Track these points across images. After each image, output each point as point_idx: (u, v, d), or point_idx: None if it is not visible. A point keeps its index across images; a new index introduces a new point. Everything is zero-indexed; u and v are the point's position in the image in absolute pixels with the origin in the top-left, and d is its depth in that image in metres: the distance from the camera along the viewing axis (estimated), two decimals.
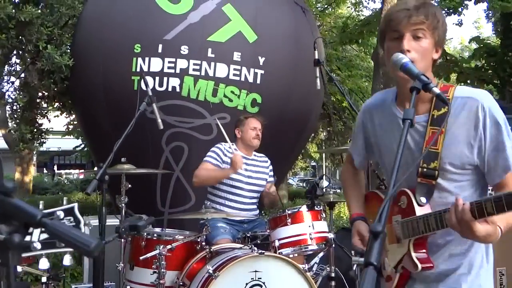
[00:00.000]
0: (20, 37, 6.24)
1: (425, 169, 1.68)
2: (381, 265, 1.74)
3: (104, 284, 3.62)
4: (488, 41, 10.94)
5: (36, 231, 1.50)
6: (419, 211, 1.65)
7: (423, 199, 1.67)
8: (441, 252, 1.71)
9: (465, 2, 9.57)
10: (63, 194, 15.34)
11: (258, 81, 5.49)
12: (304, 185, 26.50)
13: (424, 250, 1.69)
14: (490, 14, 12.61)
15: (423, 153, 1.63)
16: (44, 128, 7.29)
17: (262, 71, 5.49)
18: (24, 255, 1.59)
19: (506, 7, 8.65)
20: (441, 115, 1.68)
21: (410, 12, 1.66)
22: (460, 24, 11.23)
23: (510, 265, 3.25)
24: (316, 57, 3.80)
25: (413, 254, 1.66)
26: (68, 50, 6.03)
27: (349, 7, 16.56)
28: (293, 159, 8.17)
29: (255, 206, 4.05)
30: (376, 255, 1.18)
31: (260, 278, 2.78)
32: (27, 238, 1.34)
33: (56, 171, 25.02)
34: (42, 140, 7.37)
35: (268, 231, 3.44)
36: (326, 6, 15.80)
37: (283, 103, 5.60)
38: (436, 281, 1.73)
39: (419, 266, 1.66)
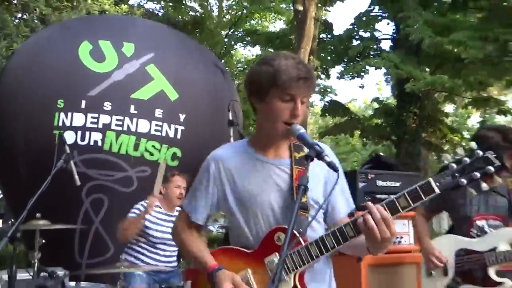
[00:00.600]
0: None
1: (304, 200, 1.69)
2: None
3: None
4: (387, 102, 11.58)
5: None
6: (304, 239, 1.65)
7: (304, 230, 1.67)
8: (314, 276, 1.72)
9: (366, 67, 10.12)
10: None
11: (179, 137, 5.41)
12: (224, 231, 26.16)
13: (307, 280, 1.68)
14: (389, 78, 13.41)
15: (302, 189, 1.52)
16: None
17: (183, 127, 5.43)
18: None
19: (400, 73, 9.25)
20: (302, 157, 1.73)
21: (307, 80, 1.65)
22: (362, 87, 11.89)
23: None
24: (230, 118, 3.83)
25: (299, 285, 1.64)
26: None
27: None
28: None
29: (174, 258, 3.91)
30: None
31: None
32: None
33: None
34: None
35: (182, 282, 3.32)
36: (245, 66, 16.25)
37: (201, 158, 5.50)
38: None
39: None
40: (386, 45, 11.06)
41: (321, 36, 11.27)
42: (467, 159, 1.49)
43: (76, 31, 5.81)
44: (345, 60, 10.89)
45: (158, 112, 5.34)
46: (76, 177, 3.16)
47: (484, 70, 9.15)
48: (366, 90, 57.71)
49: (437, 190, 1.50)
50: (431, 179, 1.51)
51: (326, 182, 1.76)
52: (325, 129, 12.85)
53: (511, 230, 2.74)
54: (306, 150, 1.70)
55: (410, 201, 1.52)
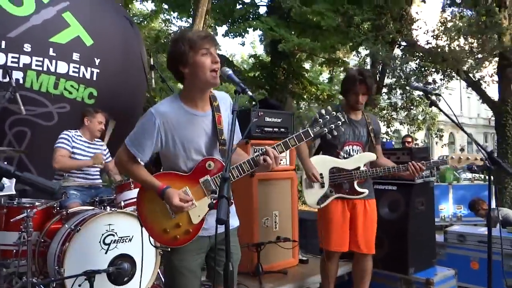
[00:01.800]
0: None
1: (221, 141, 2.02)
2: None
3: None
4: (262, 58, 11.98)
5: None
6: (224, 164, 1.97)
7: (223, 158, 2.02)
8: None
9: (247, 29, 10.38)
10: None
11: (94, 78, 5.25)
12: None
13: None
14: (263, 38, 13.85)
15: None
16: None
17: (98, 70, 5.27)
18: None
19: (274, 35, 9.75)
20: (217, 106, 2.06)
21: (211, 36, 1.97)
22: (243, 44, 12.16)
23: (282, 209, 3.92)
24: (152, 63, 3.95)
25: None
26: None
27: (160, 22, 16.48)
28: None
29: (98, 177, 4.02)
30: (227, 191, 1.50)
31: (113, 229, 2.87)
32: None
33: None
34: None
35: (115, 195, 3.51)
36: (141, 19, 15.50)
37: (114, 97, 5.49)
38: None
39: (232, 201, 1.92)
40: (263, 10, 11.44)
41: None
42: (327, 116, 2.03)
43: None
44: (230, 20, 11.03)
45: (76, 56, 5.10)
46: (22, 106, 3.11)
47: (336, 37, 10.06)
48: (243, 48, 58.39)
49: (312, 135, 2.02)
50: (309, 128, 2.03)
51: (229, 121, 2.07)
52: None
53: (368, 154, 3.09)
54: (219, 99, 2.06)
55: (296, 141, 2.01)
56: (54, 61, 4.97)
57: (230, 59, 14.69)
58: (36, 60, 4.87)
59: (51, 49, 4.96)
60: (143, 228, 2.05)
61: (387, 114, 11.25)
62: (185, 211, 1.95)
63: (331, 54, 11.81)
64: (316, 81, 15.57)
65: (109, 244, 2.80)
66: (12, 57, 4.77)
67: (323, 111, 2.05)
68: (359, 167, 3.03)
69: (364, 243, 3.06)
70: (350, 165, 3.04)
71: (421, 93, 3.24)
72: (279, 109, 4.07)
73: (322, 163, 3.06)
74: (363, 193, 3.05)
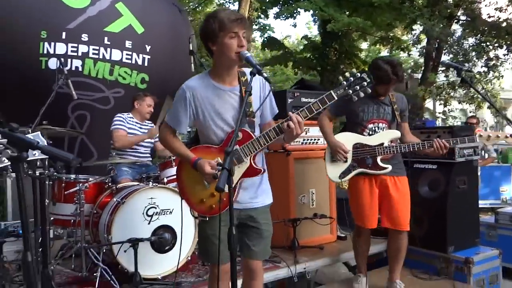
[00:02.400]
0: None
1: (249, 113, 2.14)
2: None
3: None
4: (314, 39, 11.89)
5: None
6: (254, 136, 2.12)
7: (254, 131, 2.15)
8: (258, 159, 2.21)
9: (298, 10, 10.33)
10: None
11: (146, 64, 5.59)
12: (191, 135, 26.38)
13: (257, 161, 2.17)
14: (316, 19, 13.66)
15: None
16: None
17: (149, 56, 5.60)
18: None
19: (323, 15, 9.61)
20: (245, 81, 2.16)
21: (243, 20, 2.07)
22: (295, 26, 12.10)
23: (318, 187, 4.02)
24: (191, 48, 4.15)
25: (254, 164, 2.14)
26: None
27: (215, 7, 16.77)
28: None
29: (148, 155, 4.33)
30: (228, 163, 1.64)
31: (155, 202, 3.13)
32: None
33: None
34: None
35: (159, 172, 3.79)
36: (197, 5, 15.88)
37: (165, 82, 5.80)
38: (254, 185, 2.22)
39: (262, 169, 2.15)
40: None
41: None
42: (352, 78, 2.04)
43: None
44: (281, 2, 11.02)
45: (128, 43, 5.46)
46: (74, 92, 3.43)
47: (388, 14, 9.72)
48: (298, 28, 57.55)
49: (335, 97, 2.05)
50: (332, 91, 2.06)
51: (260, 95, 2.20)
52: (264, 61, 13.04)
53: (392, 131, 3.11)
54: (247, 75, 2.14)
55: (320, 105, 2.06)
56: (109, 49, 5.35)
57: (283, 40, 14.73)
58: (93, 49, 5.27)
59: (106, 38, 5.33)
60: (183, 200, 2.26)
61: (444, 93, 10.75)
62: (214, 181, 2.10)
63: (387, 32, 11.43)
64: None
65: (151, 216, 3.07)
66: (72, 46, 5.19)
67: (347, 74, 2.08)
68: (382, 143, 3.05)
69: (396, 220, 3.07)
70: (374, 141, 3.07)
71: (481, 69, 3.19)
72: (316, 89, 4.13)
73: (345, 140, 3.12)
74: (386, 168, 3.05)
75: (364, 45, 16.54)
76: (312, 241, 3.86)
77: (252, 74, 1.97)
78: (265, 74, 1.99)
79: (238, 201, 2.16)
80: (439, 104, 11.73)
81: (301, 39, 15.65)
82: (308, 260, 3.51)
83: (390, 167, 3.05)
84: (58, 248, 3.52)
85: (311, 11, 10.41)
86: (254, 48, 16.12)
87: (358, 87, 2.03)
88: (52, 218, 3.35)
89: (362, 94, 2.05)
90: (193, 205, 2.21)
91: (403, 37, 13.65)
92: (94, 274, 2.91)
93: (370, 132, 3.11)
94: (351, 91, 2.04)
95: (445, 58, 10.34)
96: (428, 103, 14.37)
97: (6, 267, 3.19)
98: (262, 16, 12.20)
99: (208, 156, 2.14)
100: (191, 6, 16.11)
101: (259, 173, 2.15)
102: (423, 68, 11.33)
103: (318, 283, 3.84)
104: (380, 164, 3.04)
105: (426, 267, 3.73)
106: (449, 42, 9.36)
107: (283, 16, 11.74)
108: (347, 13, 10.76)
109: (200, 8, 16.18)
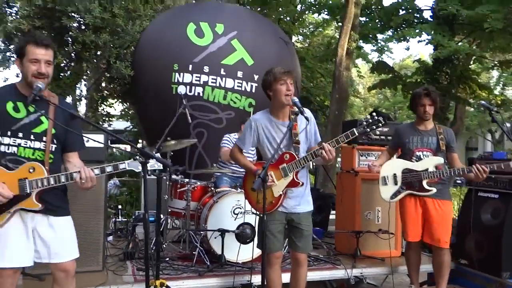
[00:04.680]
0: (98, 54, 7.39)
1: (295, 140, 2.91)
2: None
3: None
4: (427, 63, 11.80)
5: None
6: (298, 157, 2.88)
7: (298, 153, 2.90)
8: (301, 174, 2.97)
9: (405, 36, 10.51)
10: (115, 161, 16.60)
11: (253, 91, 6.59)
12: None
13: (299, 176, 2.92)
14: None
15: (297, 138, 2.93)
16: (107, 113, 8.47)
17: (256, 84, 6.54)
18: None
19: (431, 42, 9.69)
20: (294, 117, 2.91)
21: (289, 73, 2.89)
22: (408, 49, 12.12)
23: (385, 205, 4.54)
24: None
25: (295, 178, 2.90)
26: (130, 65, 7.03)
27: (332, 29, 17.49)
28: None
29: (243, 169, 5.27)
30: (263, 174, 2.48)
31: (241, 204, 4.03)
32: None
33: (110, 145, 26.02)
34: (109, 123, 8.62)
35: None
36: (315, 28, 16.88)
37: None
38: (298, 195, 2.99)
39: (300, 182, 2.89)
40: (427, 14, 11.28)
41: (373, 7, 11.80)
42: (370, 120, 2.74)
43: (185, 14, 6.99)
44: (392, 27, 11.28)
45: (239, 73, 6.52)
46: (189, 117, 4.55)
47: (503, 39, 9.40)
48: (417, 48, 54.79)
49: (356, 133, 2.76)
50: (354, 129, 2.76)
51: (307, 128, 2.98)
52: (372, 84, 13.31)
53: (436, 158, 3.54)
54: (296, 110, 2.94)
55: (345, 138, 2.78)
56: (224, 79, 6.50)
57: (394, 63, 14.69)
58: (212, 78, 6.48)
59: (222, 69, 6.50)
60: (246, 200, 3.16)
61: None
62: (269, 187, 2.90)
63: (505, 54, 10.90)
64: (489, 84, 14.31)
65: (237, 214, 4.01)
66: (196, 76, 6.47)
67: (368, 116, 2.80)
68: (427, 169, 3.51)
69: (436, 237, 3.52)
70: (420, 167, 3.55)
71: None
72: (388, 119, 4.68)
73: (396, 165, 3.67)
74: (430, 190, 3.50)
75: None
76: (376, 253, 4.40)
77: (296, 114, 2.79)
78: (305, 114, 2.79)
79: (285, 206, 2.96)
80: None
81: (414, 62, 15.51)
82: (366, 267, 4.10)
83: (434, 190, 3.52)
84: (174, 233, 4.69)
85: (414, 38, 10.44)
86: (357, 74, 16.42)
87: (374, 127, 2.72)
88: (169, 210, 4.53)
89: (377, 132, 2.72)
90: (253, 204, 3.08)
91: None
92: (193, 252, 3.96)
93: (416, 159, 3.62)
94: (368, 129, 2.73)
95: None
96: None
97: (137, 242, 4.43)
98: (373, 41, 12.45)
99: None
100: (310, 29, 17.22)
101: (299, 185, 2.93)
102: None
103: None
104: (426, 187, 3.53)
105: None
106: None
107: (396, 40, 11.93)
108: (459, 36, 10.53)
109: (318, 31, 17.16)
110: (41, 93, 2.28)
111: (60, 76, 8.02)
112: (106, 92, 8.17)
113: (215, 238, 3.83)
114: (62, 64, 7.68)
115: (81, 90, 8.17)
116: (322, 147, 2.77)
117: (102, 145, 3.66)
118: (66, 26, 6.80)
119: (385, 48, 13.57)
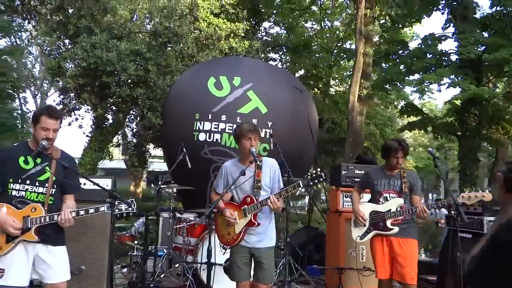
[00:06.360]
0: (133, 107, 8.38)
1: (257, 185, 3.38)
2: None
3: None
4: (457, 104, 11.79)
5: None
6: (257, 201, 3.34)
7: (258, 197, 3.36)
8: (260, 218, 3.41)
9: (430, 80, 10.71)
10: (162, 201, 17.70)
11: (267, 136, 7.10)
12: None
13: (258, 217, 3.36)
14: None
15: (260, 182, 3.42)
16: (147, 157, 9.35)
17: (270, 131, 7.00)
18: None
19: (453, 85, 9.81)
20: (259, 165, 3.40)
21: (254, 131, 3.41)
22: (440, 91, 12.05)
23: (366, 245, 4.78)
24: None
25: (253, 219, 3.35)
26: (160, 115, 8.00)
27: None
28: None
29: None
30: (209, 212, 3.00)
31: None
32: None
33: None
34: (146, 166, 9.51)
35: None
36: (350, 72, 17.37)
37: (283, 150, 7.27)
38: (260, 233, 3.41)
39: (256, 222, 3.31)
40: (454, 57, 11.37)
41: (400, 52, 12.14)
42: (314, 174, 3.20)
43: (207, 69, 7.79)
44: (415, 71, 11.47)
45: (254, 121, 7.05)
46: (189, 163, 5.15)
47: None
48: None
49: (301, 185, 3.21)
50: (300, 181, 3.21)
51: (271, 175, 3.45)
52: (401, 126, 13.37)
53: (397, 199, 3.85)
54: (263, 161, 3.47)
55: (292, 189, 3.23)
56: None
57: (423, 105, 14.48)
58: (229, 126, 7.08)
59: (238, 118, 7.05)
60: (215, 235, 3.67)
61: None
62: (232, 224, 3.40)
63: None
64: None
65: (226, 249, 4.50)
66: (214, 124, 7.12)
67: (313, 171, 3.26)
68: (390, 209, 3.84)
69: (401, 274, 3.77)
70: (384, 208, 3.88)
71: None
72: (372, 164, 5.04)
73: (364, 209, 4.01)
74: (392, 229, 3.79)
75: None
76: None
77: (255, 161, 3.32)
78: (259, 163, 3.31)
79: (247, 241, 3.42)
80: None
81: (445, 104, 15.43)
82: None
83: (396, 229, 3.81)
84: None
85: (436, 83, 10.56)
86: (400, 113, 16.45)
87: (316, 181, 3.17)
88: (173, 245, 5.10)
89: (319, 185, 3.17)
90: (220, 238, 3.58)
91: None
92: (185, 283, 4.47)
93: (383, 201, 3.94)
94: (311, 183, 3.19)
95: None
96: None
97: (144, 273, 5.01)
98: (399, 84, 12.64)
99: (231, 208, 3.49)
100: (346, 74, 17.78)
101: (255, 225, 3.39)
102: None
103: None
104: (389, 226, 3.84)
105: None
106: None
107: (428, 82, 12.06)
108: (487, 75, 10.50)
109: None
110: (45, 150, 2.97)
111: (104, 125, 9.15)
112: (142, 139, 9.06)
113: (203, 270, 4.31)
114: (106, 115, 8.80)
115: (119, 139, 9.18)
116: (269, 197, 3.25)
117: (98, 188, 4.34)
118: (106, 82, 7.86)
119: (426, 89, 13.71)
